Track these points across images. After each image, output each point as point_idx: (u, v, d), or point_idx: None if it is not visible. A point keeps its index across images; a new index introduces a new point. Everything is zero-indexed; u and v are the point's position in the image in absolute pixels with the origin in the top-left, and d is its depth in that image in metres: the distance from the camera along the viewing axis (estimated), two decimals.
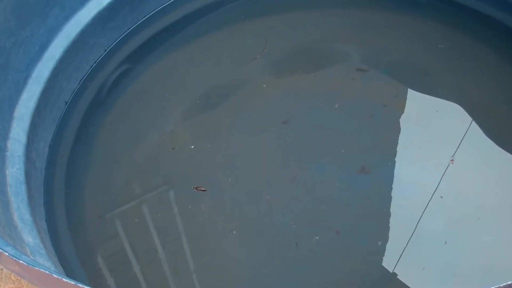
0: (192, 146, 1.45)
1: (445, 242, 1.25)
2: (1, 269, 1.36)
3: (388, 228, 1.29)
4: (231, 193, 1.38)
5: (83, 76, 1.62)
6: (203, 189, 1.37)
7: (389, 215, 1.31)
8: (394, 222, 1.30)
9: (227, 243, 1.30)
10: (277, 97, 1.55)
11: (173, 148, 1.45)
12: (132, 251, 1.32)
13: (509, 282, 0.69)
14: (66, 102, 1.56)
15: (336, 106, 1.50)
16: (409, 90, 1.54)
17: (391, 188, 1.35)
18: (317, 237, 1.27)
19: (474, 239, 1.26)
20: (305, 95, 1.55)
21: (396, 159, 1.40)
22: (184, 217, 1.36)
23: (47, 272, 0.77)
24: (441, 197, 1.32)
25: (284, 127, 1.48)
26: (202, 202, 1.36)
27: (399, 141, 1.43)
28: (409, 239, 1.27)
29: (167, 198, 1.40)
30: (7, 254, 0.81)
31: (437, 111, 1.48)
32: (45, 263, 1.15)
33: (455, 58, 1.57)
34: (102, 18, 1.60)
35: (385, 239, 1.27)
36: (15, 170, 1.30)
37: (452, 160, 1.37)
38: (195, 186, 1.38)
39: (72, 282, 0.76)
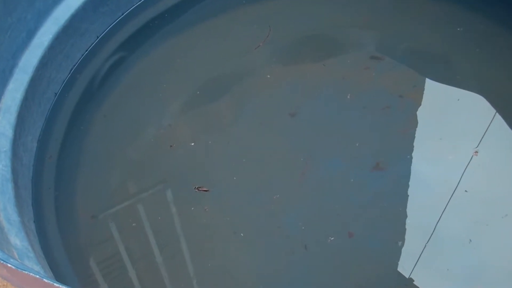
0: (192, 144, 1.43)
1: (470, 240, 1.22)
2: None
3: (405, 229, 1.27)
4: (235, 193, 1.36)
5: (74, 65, 1.60)
6: (205, 189, 1.36)
7: (406, 214, 1.29)
8: (411, 222, 1.28)
9: (231, 246, 1.29)
10: (283, 88, 1.54)
11: (170, 146, 1.43)
12: (127, 254, 1.31)
13: None
14: (56, 94, 1.55)
15: (348, 97, 1.48)
16: (427, 79, 1.52)
17: (408, 185, 1.33)
18: (328, 240, 1.26)
19: (500, 239, 1.23)
20: (314, 86, 1.53)
21: (414, 153, 1.38)
22: (184, 218, 1.35)
23: (37, 276, 0.77)
24: (465, 191, 1.30)
25: (292, 121, 1.47)
26: (204, 203, 1.34)
27: (416, 134, 1.41)
28: (428, 240, 1.25)
29: (165, 198, 1.38)
30: None
31: (458, 100, 1.47)
32: (34, 267, 1.14)
33: (476, 43, 1.56)
34: (94, 2, 1.58)
35: (402, 240, 1.26)
36: (0, 167, 1.28)
37: (476, 151, 1.36)
38: (196, 186, 1.36)
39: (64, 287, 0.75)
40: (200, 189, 1.36)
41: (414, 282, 1.20)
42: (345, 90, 1.50)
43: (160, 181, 1.41)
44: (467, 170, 1.34)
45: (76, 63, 1.60)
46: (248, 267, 1.27)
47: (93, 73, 1.61)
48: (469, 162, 1.36)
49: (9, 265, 0.79)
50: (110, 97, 1.57)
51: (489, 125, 1.41)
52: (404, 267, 1.22)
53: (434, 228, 1.26)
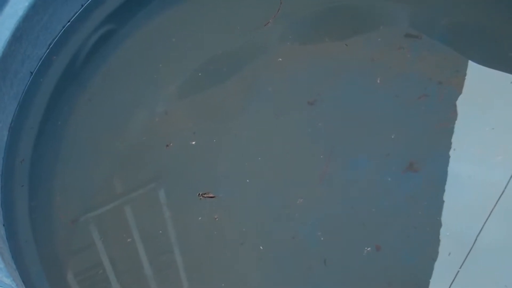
0: (193, 142, 1.39)
1: None
2: None
3: (441, 241, 1.23)
4: (242, 198, 1.33)
5: (53, 39, 1.57)
6: (211, 195, 1.32)
7: (444, 223, 1.25)
8: (450, 232, 1.24)
9: (236, 260, 1.26)
10: (300, 71, 1.50)
11: (167, 145, 1.39)
12: (111, 265, 1.29)
13: None
14: (32, 73, 1.52)
15: (377, 83, 1.44)
16: (472, 62, 1.48)
17: (447, 189, 1.29)
18: (351, 253, 1.22)
19: None
20: (336, 70, 1.49)
21: (454, 152, 1.34)
22: (180, 224, 1.32)
23: None
24: None
25: (310, 110, 1.43)
26: (205, 207, 1.29)
27: (458, 129, 1.38)
28: (467, 255, 1.22)
29: (158, 200, 1.36)
30: None
31: (511, 83, 1.41)
32: (3, 280, 1.12)
33: None
34: None
35: (437, 255, 1.22)
36: None
37: None
38: (201, 193, 1.32)
39: None
40: (205, 196, 1.32)
41: None
42: (374, 75, 1.46)
43: (153, 180, 1.39)
44: None
45: (56, 37, 1.58)
46: (257, 283, 1.23)
47: (76, 49, 1.59)
48: None
49: None
50: (96, 78, 1.55)
51: None
52: (441, 286, 1.18)
53: (475, 239, 1.23)
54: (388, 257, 1.23)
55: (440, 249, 1.23)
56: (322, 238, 1.26)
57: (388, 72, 1.47)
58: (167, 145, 1.40)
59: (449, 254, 1.22)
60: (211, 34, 1.59)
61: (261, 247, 1.26)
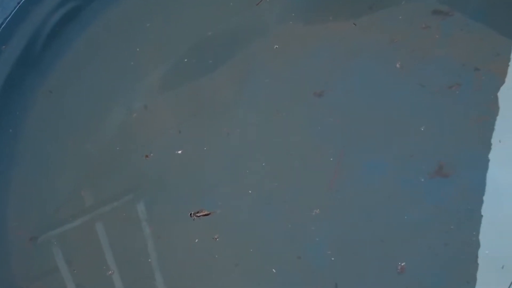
0: (179, 151, 1.33)
1: None
2: None
3: (478, 262, 1.17)
4: (237, 210, 1.28)
5: (6, 18, 1.52)
6: (206, 213, 1.27)
7: (480, 240, 1.19)
8: (487, 251, 1.18)
9: (230, 285, 1.21)
10: (303, 58, 1.46)
11: (146, 156, 1.33)
12: None
13: None
14: None
15: (397, 68, 1.38)
16: None
17: (483, 200, 1.23)
18: (368, 276, 1.17)
19: None
20: (348, 54, 1.44)
21: (492, 153, 1.28)
22: (162, 242, 1.27)
23: None
24: None
25: (318, 103, 1.40)
26: (190, 220, 1.24)
27: (497, 125, 1.32)
28: None
29: (136, 214, 1.32)
30: None
31: None
32: None
33: None
34: None
35: (474, 278, 1.16)
36: None
37: None
38: (193, 212, 1.27)
39: None
40: (199, 215, 1.27)
41: None
42: (394, 59, 1.40)
43: (129, 190, 1.36)
44: None
45: (10, 15, 1.52)
46: None
47: (34, 30, 1.53)
48: None
49: None
50: (59, 65, 1.50)
51: None
52: None
53: None
54: (412, 280, 1.17)
55: (476, 272, 1.18)
56: (332, 258, 1.21)
57: (411, 56, 1.42)
58: (146, 156, 1.33)
59: (488, 277, 1.17)
60: (199, 11, 1.56)
61: (260, 269, 1.22)
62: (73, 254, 1.29)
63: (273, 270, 1.21)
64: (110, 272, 1.20)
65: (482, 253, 1.18)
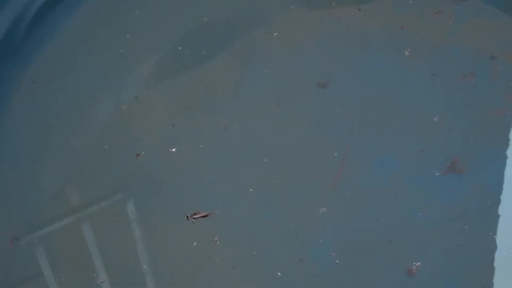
0: (173, 149, 1.32)
1: None
2: None
3: (494, 266, 1.16)
4: (233, 208, 1.27)
5: None
6: (203, 214, 1.26)
7: (496, 241, 1.17)
8: (505, 252, 1.16)
9: None
10: (305, 46, 1.45)
11: (137, 155, 1.32)
12: None
13: None
14: None
15: (406, 55, 1.37)
16: None
17: (499, 198, 1.22)
18: (375, 279, 1.15)
19: None
20: (353, 41, 1.43)
21: (510, 149, 1.27)
22: (154, 244, 1.25)
23: None
24: None
25: (322, 94, 1.39)
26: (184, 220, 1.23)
27: None
28: None
29: (126, 214, 1.30)
30: None
31: None
32: None
33: None
34: None
35: (489, 282, 1.15)
36: None
37: None
38: (190, 215, 1.26)
39: None
40: (196, 217, 1.26)
41: None
42: (403, 46, 1.39)
43: (119, 189, 1.34)
44: None
45: None
46: None
47: (16, 15, 1.51)
48: None
49: None
50: (43, 54, 1.49)
51: None
52: None
53: None
54: (422, 285, 1.15)
55: (493, 275, 1.17)
56: (337, 261, 1.20)
57: (423, 43, 1.41)
58: (137, 155, 1.30)
59: (505, 281, 1.16)
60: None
61: (260, 272, 1.20)
62: (58, 257, 1.27)
63: (277, 273, 1.21)
64: (101, 280, 1.17)
65: (499, 255, 1.17)
